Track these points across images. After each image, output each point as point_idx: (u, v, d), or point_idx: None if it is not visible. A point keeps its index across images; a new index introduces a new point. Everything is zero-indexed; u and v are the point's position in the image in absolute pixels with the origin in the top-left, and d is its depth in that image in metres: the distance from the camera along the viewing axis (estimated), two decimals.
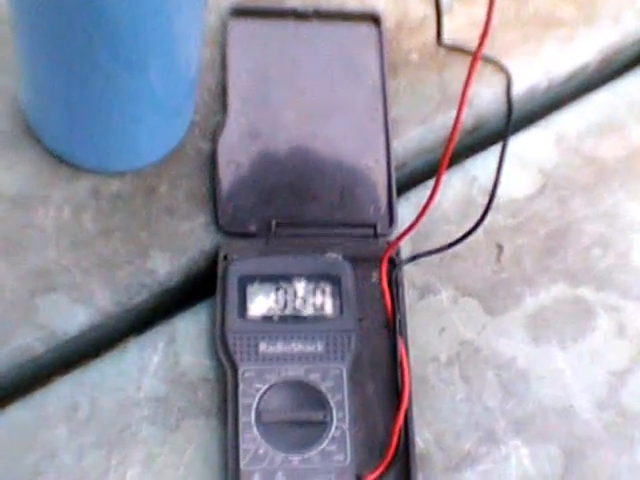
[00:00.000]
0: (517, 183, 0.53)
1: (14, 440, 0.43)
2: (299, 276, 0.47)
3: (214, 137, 0.51)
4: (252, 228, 0.48)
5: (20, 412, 0.44)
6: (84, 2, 0.39)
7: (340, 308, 0.46)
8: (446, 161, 0.40)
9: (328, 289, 0.47)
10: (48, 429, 0.43)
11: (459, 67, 0.55)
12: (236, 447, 0.43)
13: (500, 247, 0.51)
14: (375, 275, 0.48)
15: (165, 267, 0.48)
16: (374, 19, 0.55)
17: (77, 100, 0.45)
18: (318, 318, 0.46)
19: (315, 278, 0.47)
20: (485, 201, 0.45)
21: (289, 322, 0.46)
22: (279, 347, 0.45)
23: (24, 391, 0.45)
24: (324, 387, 0.44)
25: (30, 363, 0.46)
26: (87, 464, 0.43)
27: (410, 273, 0.49)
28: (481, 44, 0.38)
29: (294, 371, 0.44)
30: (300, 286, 0.46)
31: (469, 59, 0.39)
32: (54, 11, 0.40)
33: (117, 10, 0.39)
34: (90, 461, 0.43)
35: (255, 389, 0.44)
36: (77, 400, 0.44)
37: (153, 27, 0.42)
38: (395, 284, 0.47)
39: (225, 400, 0.44)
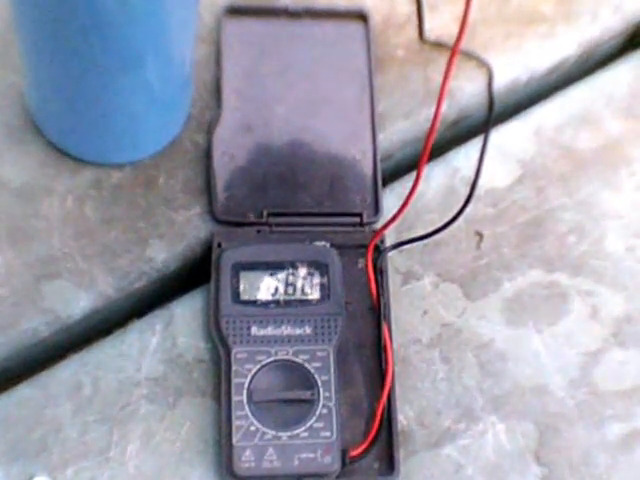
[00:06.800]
0: (497, 173, 0.54)
1: (22, 416, 0.45)
2: (289, 263, 0.48)
3: (210, 130, 0.52)
4: (245, 217, 0.50)
5: (28, 391, 0.46)
6: (79, 1, 0.40)
7: (327, 293, 0.48)
8: (426, 153, 0.42)
9: (316, 275, 0.48)
10: (54, 407, 0.45)
11: (443, 62, 0.54)
12: (229, 424, 0.45)
13: (480, 235, 0.52)
14: (361, 262, 0.50)
15: (163, 254, 0.49)
16: (362, 17, 0.56)
17: (76, 96, 0.47)
18: (306, 303, 0.48)
19: (304, 265, 0.48)
20: (466, 191, 0.47)
21: (279, 306, 0.47)
22: (270, 330, 0.47)
23: (31, 371, 0.47)
24: (312, 368, 0.46)
25: (36, 345, 0.48)
26: (90, 439, 0.45)
27: (394, 260, 0.51)
28: (458, 40, 0.39)
29: (284, 353, 0.46)
30: (290, 273, 0.48)
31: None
32: (51, 9, 0.41)
33: (111, 9, 0.40)
34: (93, 436, 0.45)
35: (247, 369, 0.46)
36: (81, 380, 0.46)
37: (147, 26, 0.43)
38: (380, 270, 0.49)
39: (219, 380, 0.46)
